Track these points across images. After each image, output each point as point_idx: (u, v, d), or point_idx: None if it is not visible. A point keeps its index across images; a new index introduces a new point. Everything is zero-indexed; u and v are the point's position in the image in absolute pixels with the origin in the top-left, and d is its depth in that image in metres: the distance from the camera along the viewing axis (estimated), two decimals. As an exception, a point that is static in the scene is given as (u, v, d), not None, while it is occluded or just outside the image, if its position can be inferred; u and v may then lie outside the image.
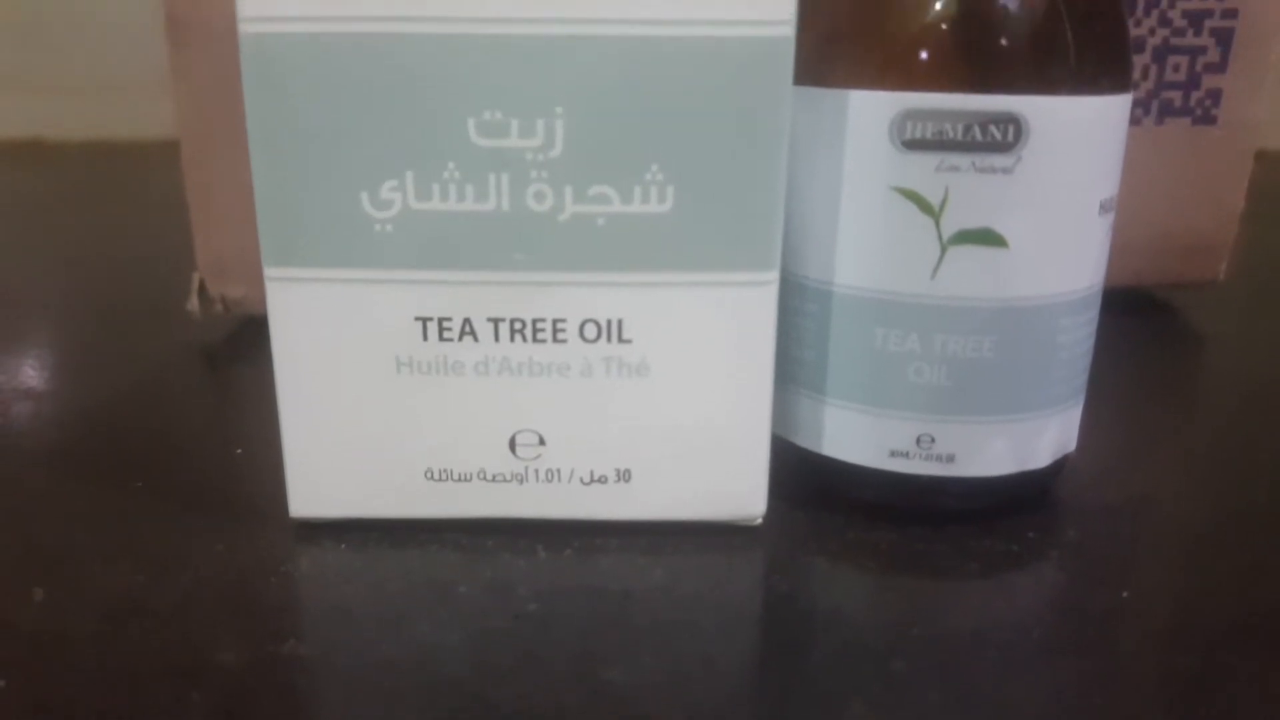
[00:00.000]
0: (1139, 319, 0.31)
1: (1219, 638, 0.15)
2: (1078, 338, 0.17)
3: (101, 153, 0.62)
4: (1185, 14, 0.29)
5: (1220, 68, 0.29)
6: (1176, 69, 0.29)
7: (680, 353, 0.16)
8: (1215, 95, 0.30)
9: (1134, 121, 0.29)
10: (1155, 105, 0.29)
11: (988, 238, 0.16)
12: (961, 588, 0.16)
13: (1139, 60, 0.29)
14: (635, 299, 0.16)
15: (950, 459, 0.17)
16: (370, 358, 0.16)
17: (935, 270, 0.16)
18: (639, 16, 0.14)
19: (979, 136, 0.15)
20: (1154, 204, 0.30)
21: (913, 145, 0.16)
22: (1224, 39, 0.29)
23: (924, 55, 0.16)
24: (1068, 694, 0.14)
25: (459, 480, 0.17)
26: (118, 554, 0.17)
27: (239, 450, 0.20)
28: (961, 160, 0.15)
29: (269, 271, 0.16)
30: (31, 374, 0.26)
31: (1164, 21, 0.29)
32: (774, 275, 0.16)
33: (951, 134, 0.15)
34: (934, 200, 0.16)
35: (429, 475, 0.17)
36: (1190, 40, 0.29)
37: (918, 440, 0.17)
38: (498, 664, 0.14)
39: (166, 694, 0.13)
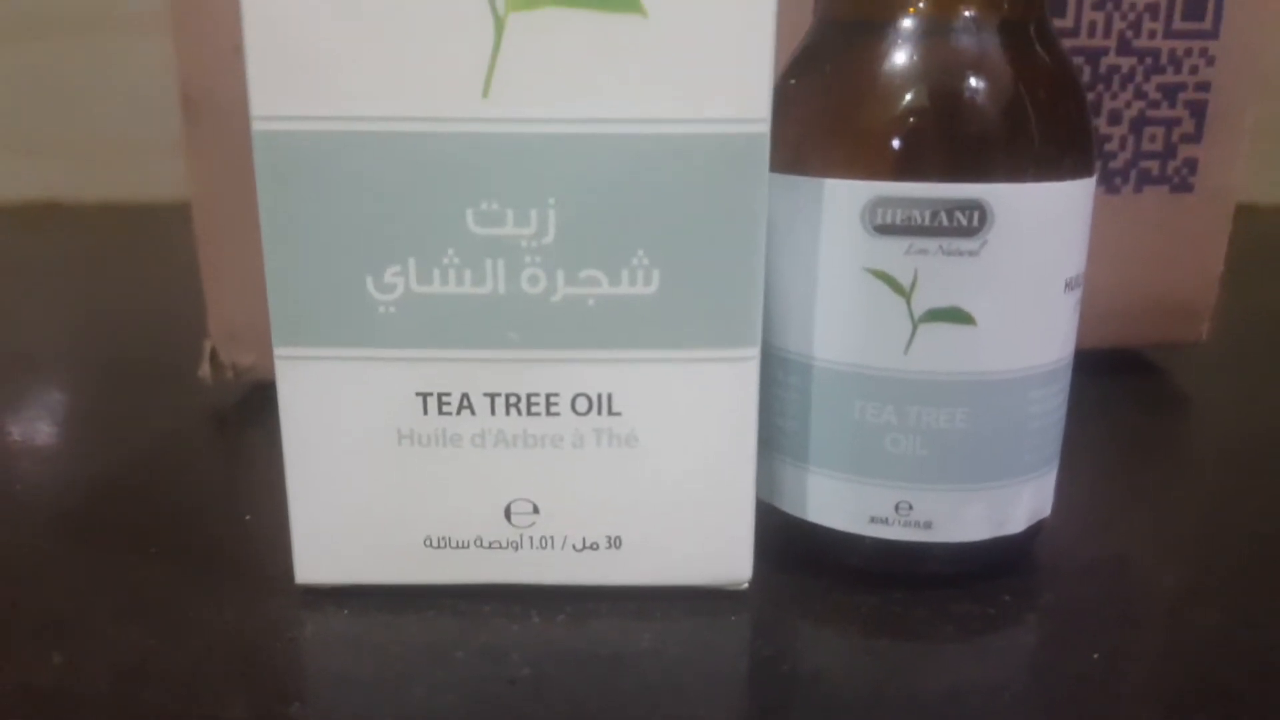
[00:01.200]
0: (1126, 379, 0.32)
1: (1188, 700, 0.15)
2: (1048, 408, 0.18)
3: (116, 215, 0.64)
4: (1160, 87, 0.30)
5: (1195, 138, 0.31)
6: (1153, 139, 0.30)
7: (667, 425, 0.17)
8: (1191, 164, 0.31)
9: (1113, 190, 0.31)
10: (1134, 174, 0.31)
11: (956, 316, 0.17)
12: (938, 650, 0.17)
13: (1116, 131, 0.30)
14: (624, 374, 0.17)
15: (928, 525, 0.18)
16: (373, 431, 0.17)
17: (908, 346, 0.17)
18: (625, 116, 0.15)
19: (945, 222, 0.16)
20: (1136, 269, 0.31)
21: (883, 230, 0.17)
22: (1198, 110, 0.30)
23: (892, 147, 0.17)
24: (1036, 756, 0.14)
25: (457, 547, 0.18)
26: (131, 618, 0.17)
27: (248, 516, 0.21)
28: (929, 244, 0.16)
29: (279, 351, 0.17)
30: (46, 435, 0.27)
31: (1139, 94, 0.30)
32: (755, 352, 0.17)
33: (919, 220, 0.16)
34: (904, 281, 0.17)
35: (428, 543, 0.18)
36: (1165, 112, 0.30)
37: (896, 507, 0.18)
38: (491, 727, 0.15)
39: (176, 757, 0.14)
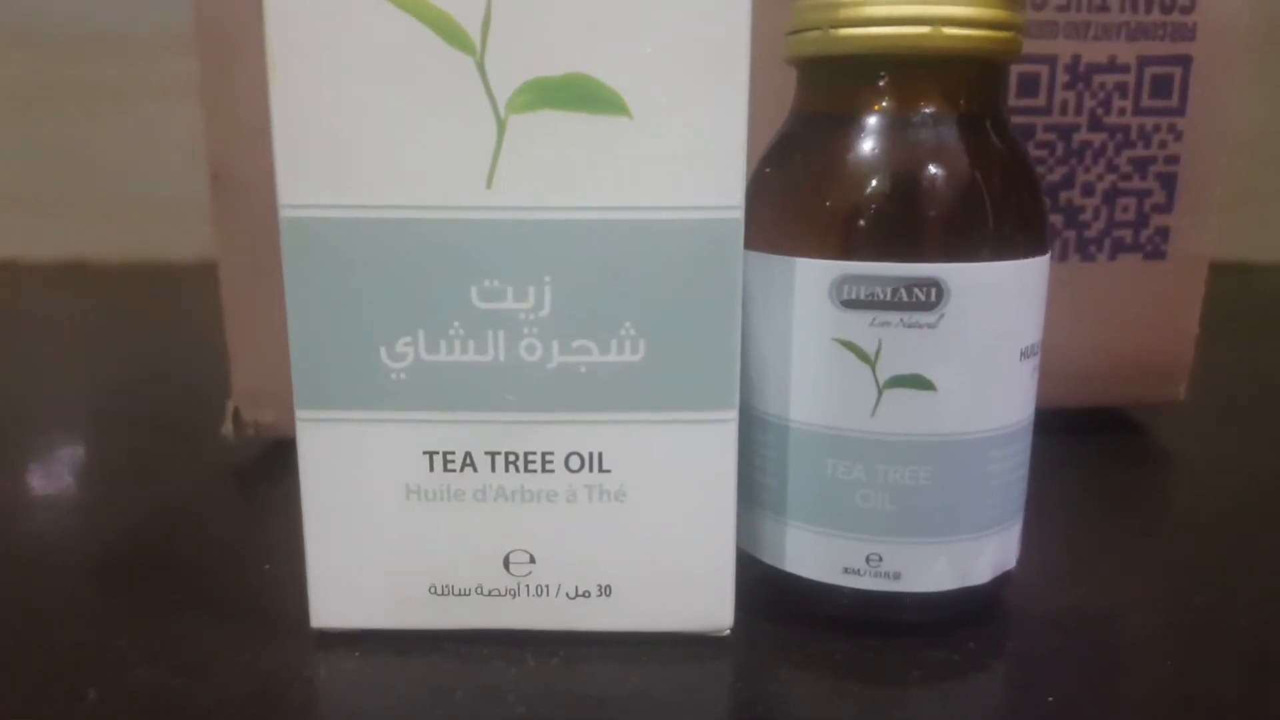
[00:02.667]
0: (1109, 437, 0.33)
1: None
2: (1009, 466, 0.20)
3: (142, 274, 0.66)
4: (1131, 161, 0.32)
5: (1166, 207, 0.32)
6: (1126, 210, 0.32)
7: (654, 481, 0.19)
8: (1164, 232, 0.32)
9: (1089, 258, 0.32)
10: (1108, 243, 0.32)
11: (918, 382, 0.18)
12: (904, 694, 0.18)
13: (1090, 203, 0.32)
14: (613, 434, 0.18)
15: (897, 576, 0.19)
16: (383, 486, 0.19)
17: (874, 409, 0.19)
18: (613, 204, 0.17)
19: (905, 298, 0.18)
20: (1113, 332, 0.33)
21: (849, 304, 0.18)
22: (1168, 182, 0.32)
23: (857, 230, 0.18)
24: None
25: (459, 595, 0.19)
26: (159, 659, 0.19)
27: (266, 566, 0.23)
28: (891, 317, 0.18)
29: (300, 413, 0.18)
30: (76, 489, 0.29)
31: (1111, 168, 0.32)
32: (733, 414, 0.18)
33: (882, 296, 0.18)
34: (870, 350, 0.18)
35: (433, 590, 0.19)
36: (1137, 184, 0.32)
37: (867, 559, 0.19)
38: (487, 760, 0.16)
39: (200, 785, 0.15)
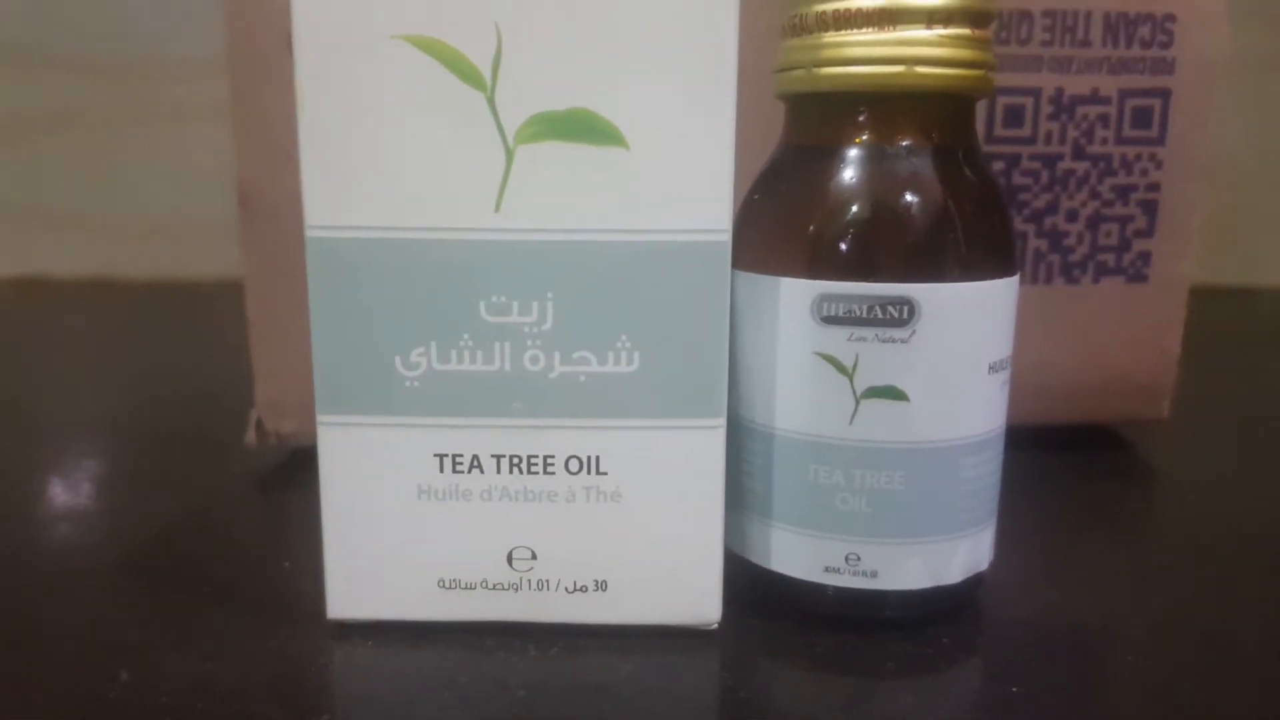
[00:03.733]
0: (1097, 453, 0.34)
1: (1087, 727, 0.18)
2: (980, 473, 0.21)
3: (165, 291, 0.68)
4: (1113, 188, 0.33)
5: (1148, 233, 0.34)
6: (1109, 235, 0.33)
7: (647, 483, 0.20)
8: (1145, 256, 0.34)
9: (1073, 281, 0.34)
10: (1091, 266, 0.34)
11: (892, 393, 0.20)
12: (879, 684, 0.19)
13: (1074, 228, 0.33)
14: (610, 439, 0.20)
15: (874, 574, 0.21)
16: (396, 486, 0.20)
17: (852, 418, 0.20)
18: (611, 227, 0.19)
19: (880, 315, 0.19)
20: (1098, 352, 0.34)
21: (829, 320, 0.20)
22: (1149, 209, 0.33)
23: (836, 252, 0.20)
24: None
25: (465, 589, 0.21)
26: (187, 646, 0.20)
27: (286, 563, 0.24)
28: (867, 333, 0.20)
29: (321, 418, 0.20)
30: (109, 495, 0.30)
31: (1094, 195, 0.33)
32: (721, 421, 0.20)
33: (859, 313, 0.20)
34: (847, 363, 0.20)
35: (441, 584, 0.21)
36: (1119, 210, 0.33)
37: (846, 558, 0.21)
38: (489, 737, 0.17)
39: (227, 754, 0.17)
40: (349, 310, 0.19)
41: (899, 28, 0.19)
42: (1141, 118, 0.33)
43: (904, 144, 0.20)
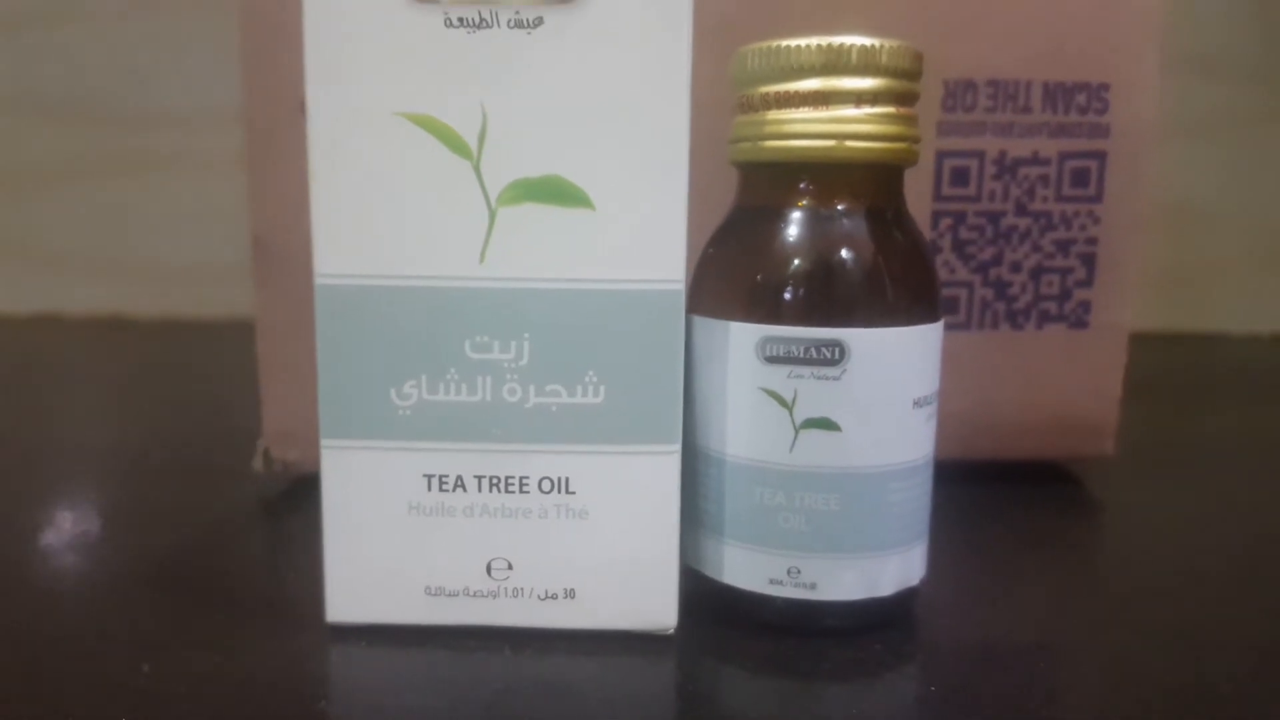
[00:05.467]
0: (1043, 487, 0.37)
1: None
2: (909, 496, 0.24)
3: (175, 330, 0.71)
4: (1054, 242, 0.36)
5: (1088, 283, 0.36)
6: (1050, 285, 0.36)
7: (612, 502, 0.23)
8: (1086, 305, 0.37)
9: (1018, 327, 0.37)
10: (1035, 314, 0.36)
11: (826, 424, 0.22)
12: (814, 684, 0.22)
13: (1018, 279, 0.36)
14: (579, 463, 0.23)
15: (813, 586, 0.23)
16: (389, 503, 0.23)
17: (792, 446, 0.23)
18: (580, 277, 0.22)
19: (815, 355, 0.22)
20: (1043, 393, 0.37)
21: (771, 360, 0.22)
22: (1088, 261, 0.36)
23: (779, 301, 0.23)
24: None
25: (449, 595, 0.23)
26: (201, 645, 0.23)
27: (290, 576, 0.27)
28: (804, 370, 0.22)
29: (325, 442, 0.23)
30: (124, 518, 0.33)
31: (1036, 248, 0.36)
32: (677, 447, 0.23)
33: (797, 353, 0.22)
34: (788, 397, 0.22)
35: (428, 591, 0.23)
36: (1060, 262, 0.36)
37: (788, 571, 0.23)
38: (466, 721, 0.20)
39: (237, 732, 0.19)
40: (351, 347, 0.22)
41: (832, 107, 0.22)
42: (1079, 177, 0.36)
43: (839, 207, 0.23)
